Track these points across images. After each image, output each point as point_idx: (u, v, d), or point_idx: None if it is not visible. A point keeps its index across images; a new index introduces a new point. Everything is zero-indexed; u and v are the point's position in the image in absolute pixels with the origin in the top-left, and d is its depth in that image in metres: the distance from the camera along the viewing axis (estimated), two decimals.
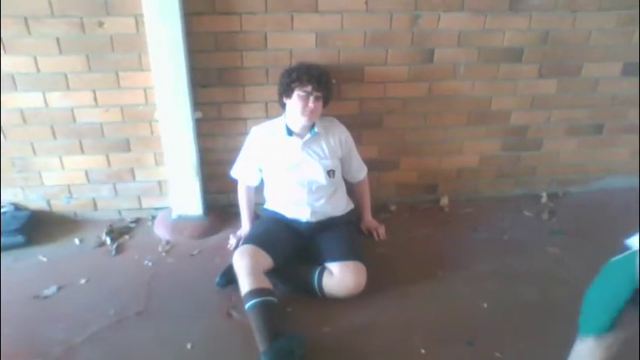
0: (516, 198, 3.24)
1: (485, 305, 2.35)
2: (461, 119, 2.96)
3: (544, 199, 3.21)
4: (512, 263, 2.63)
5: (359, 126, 2.84)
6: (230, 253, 2.41)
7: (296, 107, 2.40)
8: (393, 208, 3.13)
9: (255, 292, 2.17)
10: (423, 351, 2.10)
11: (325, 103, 2.50)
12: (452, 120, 2.96)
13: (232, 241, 2.72)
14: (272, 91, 2.59)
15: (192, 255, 2.70)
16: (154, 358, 2.07)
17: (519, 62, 2.83)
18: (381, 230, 2.84)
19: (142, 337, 2.17)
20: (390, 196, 3.15)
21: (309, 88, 2.37)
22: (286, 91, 2.43)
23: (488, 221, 3.00)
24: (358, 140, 2.71)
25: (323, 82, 2.41)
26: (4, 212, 2.89)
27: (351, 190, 2.79)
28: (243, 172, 2.67)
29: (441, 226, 2.97)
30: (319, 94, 2.40)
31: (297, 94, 2.39)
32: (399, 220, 3.02)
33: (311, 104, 2.38)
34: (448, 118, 2.95)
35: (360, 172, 2.75)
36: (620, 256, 1.47)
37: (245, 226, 2.75)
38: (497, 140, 3.07)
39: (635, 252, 1.39)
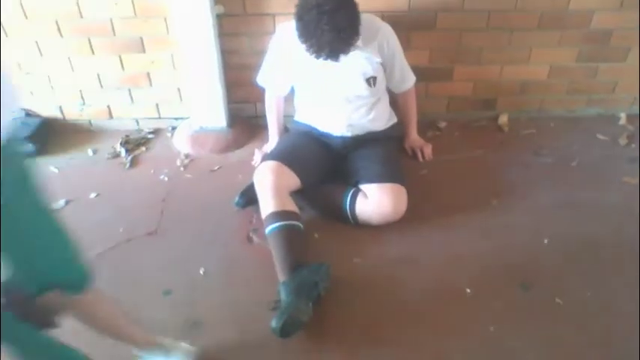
0: (589, 118, 2.78)
1: (545, 242, 2.04)
2: (530, 21, 2.47)
3: (622, 121, 2.74)
4: (580, 194, 2.27)
5: (407, 26, 2.41)
6: (254, 171, 2.12)
7: None
8: (442, 125, 2.74)
9: (278, 215, 1.93)
10: (468, 291, 1.84)
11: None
12: (519, 22, 2.47)
13: (257, 157, 2.43)
14: None
15: (213, 171, 2.45)
16: (163, 283, 1.89)
17: None
18: (427, 150, 2.48)
19: (151, 260, 2.00)
20: (439, 111, 2.75)
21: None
22: None
23: (554, 144, 2.59)
24: (406, 44, 2.28)
25: (349, 51, 1.92)
26: (14, 119, 2.67)
27: (395, 102, 2.40)
28: (270, 78, 2.31)
29: (498, 147, 2.58)
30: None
31: None
32: (448, 140, 2.65)
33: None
34: (515, 19, 2.46)
35: (405, 81, 2.31)
36: None
37: (272, 141, 2.43)
38: (573, 48, 2.57)
39: None
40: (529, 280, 1.87)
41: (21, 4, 2.34)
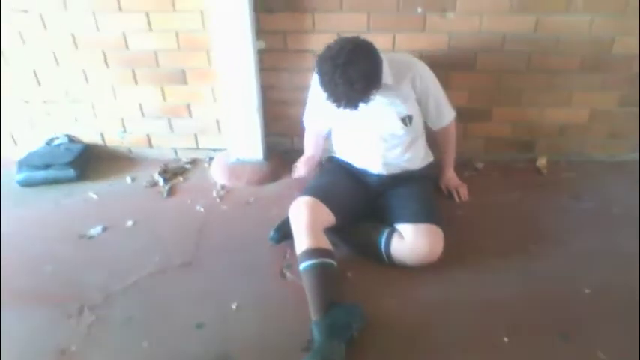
0: (631, 164, 2.71)
1: (586, 291, 1.95)
2: (572, 64, 2.45)
3: None
4: (622, 242, 2.19)
5: (447, 66, 2.41)
6: (290, 206, 2.12)
7: None
8: (479, 166, 2.71)
9: (312, 252, 1.90)
10: (505, 339, 1.76)
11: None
12: (561, 64, 2.45)
13: (299, 170, 2.42)
14: (346, 19, 2.23)
15: (248, 203, 2.46)
16: (196, 315, 1.87)
17: None
18: (463, 190, 2.45)
19: (184, 291, 1.98)
20: (477, 151, 2.72)
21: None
22: None
23: (593, 189, 2.52)
24: (445, 84, 2.27)
25: (366, 100, 1.92)
26: (59, 144, 2.75)
27: (433, 138, 2.38)
28: (312, 120, 2.35)
29: (537, 191, 2.53)
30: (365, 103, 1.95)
31: None
32: (485, 181, 2.61)
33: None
34: (556, 61, 2.44)
35: (442, 117, 2.28)
36: None
37: (307, 153, 2.46)
38: (615, 92, 2.53)
39: None
40: (569, 330, 1.79)
41: (73, 35, 2.43)
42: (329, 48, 1.86)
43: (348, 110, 2.03)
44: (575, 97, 2.54)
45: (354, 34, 1.89)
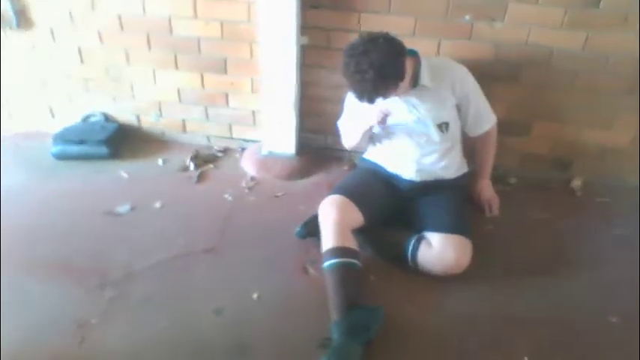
0: None
1: (613, 320, 1.89)
2: (619, 84, 2.38)
3: None
4: None
5: (490, 77, 2.36)
6: (318, 203, 2.10)
7: None
8: (512, 181, 2.66)
9: (337, 251, 1.89)
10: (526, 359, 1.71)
11: (400, 78, 1.93)
12: (607, 84, 2.39)
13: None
14: (393, 21, 2.21)
15: (277, 196, 2.45)
16: (215, 301, 1.87)
17: None
18: (495, 204, 2.40)
19: (206, 277, 1.99)
20: (511, 166, 2.67)
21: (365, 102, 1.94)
22: None
23: (627, 216, 2.45)
24: (486, 95, 2.22)
25: (376, 97, 1.90)
26: (94, 122, 2.79)
27: (470, 147, 2.34)
28: (346, 125, 2.32)
29: (569, 212, 2.46)
30: (380, 98, 1.94)
31: None
32: (517, 197, 2.55)
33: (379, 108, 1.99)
34: (603, 80, 2.38)
35: (481, 123, 2.22)
36: None
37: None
38: None
39: None
40: (592, 359, 1.74)
41: (119, 16, 2.46)
42: (353, 41, 1.88)
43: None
44: (618, 120, 2.48)
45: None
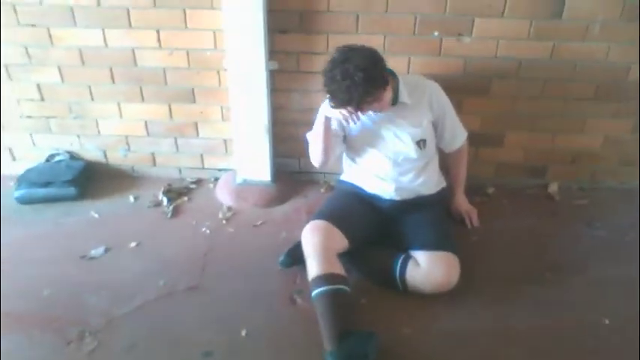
0: None
1: (606, 322, 1.90)
2: (587, 91, 2.43)
3: None
4: (637, 271, 2.14)
5: (461, 91, 2.39)
6: (298, 229, 2.05)
7: None
8: (490, 191, 2.67)
9: (324, 278, 1.84)
10: None
11: (384, 86, 1.93)
12: (576, 91, 2.43)
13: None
14: (362, 40, 2.15)
15: (256, 226, 2.39)
16: (203, 343, 1.79)
17: None
18: (474, 215, 2.40)
19: (191, 317, 1.90)
20: (488, 176, 2.69)
21: (350, 109, 1.91)
22: None
23: (606, 217, 2.49)
24: (458, 108, 2.24)
25: (366, 100, 1.87)
26: (59, 161, 2.68)
27: (445, 160, 2.34)
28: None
29: (549, 217, 2.49)
30: (367, 105, 1.92)
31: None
32: (496, 207, 2.57)
33: (360, 116, 1.97)
34: (572, 88, 2.42)
35: (455, 138, 2.25)
36: None
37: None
38: (629, 120, 2.51)
39: None
40: None
41: (80, 50, 2.38)
42: (330, 57, 1.87)
43: (364, 131, 2.02)
44: (589, 124, 2.52)
45: None
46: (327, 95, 1.89)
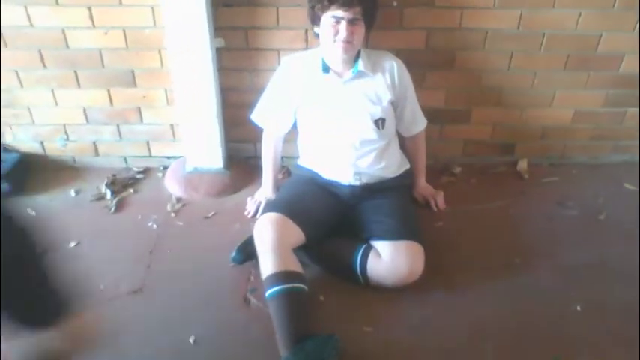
0: (614, 166, 2.59)
1: (578, 308, 1.80)
2: (556, 62, 2.30)
3: None
4: (611, 252, 2.06)
5: (424, 65, 2.23)
6: (253, 220, 1.90)
7: (326, 36, 1.83)
8: (457, 170, 2.53)
9: (279, 276, 1.69)
10: None
11: (369, 26, 1.89)
12: (544, 63, 2.29)
13: (250, 206, 2.21)
14: None
15: (207, 218, 2.22)
16: (147, 354, 1.64)
17: None
18: (440, 199, 2.27)
19: (134, 324, 1.74)
20: (454, 155, 2.55)
21: (339, 12, 1.76)
22: (312, 16, 1.87)
23: (578, 195, 2.38)
24: (421, 83, 2.10)
25: None
26: None
27: (402, 146, 2.20)
28: (270, 115, 2.10)
29: (519, 197, 2.37)
30: (356, 15, 1.79)
31: (324, 19, 1.80)
32: (464, 187, 2.44)
33: (344, 31, 1.78)
34: (540, 60, 2.28)
35: (415, 123, 2.13)
36: None
37: (266, 187, 2.23)
38: (600, 92, 2.39)
39: None
40: (563, 352, 1.64)
41: (0, 32, 2.14)
42: None
43: (319, 106, 1.94)
44: (559, 98, 2.39)
45: None
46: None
